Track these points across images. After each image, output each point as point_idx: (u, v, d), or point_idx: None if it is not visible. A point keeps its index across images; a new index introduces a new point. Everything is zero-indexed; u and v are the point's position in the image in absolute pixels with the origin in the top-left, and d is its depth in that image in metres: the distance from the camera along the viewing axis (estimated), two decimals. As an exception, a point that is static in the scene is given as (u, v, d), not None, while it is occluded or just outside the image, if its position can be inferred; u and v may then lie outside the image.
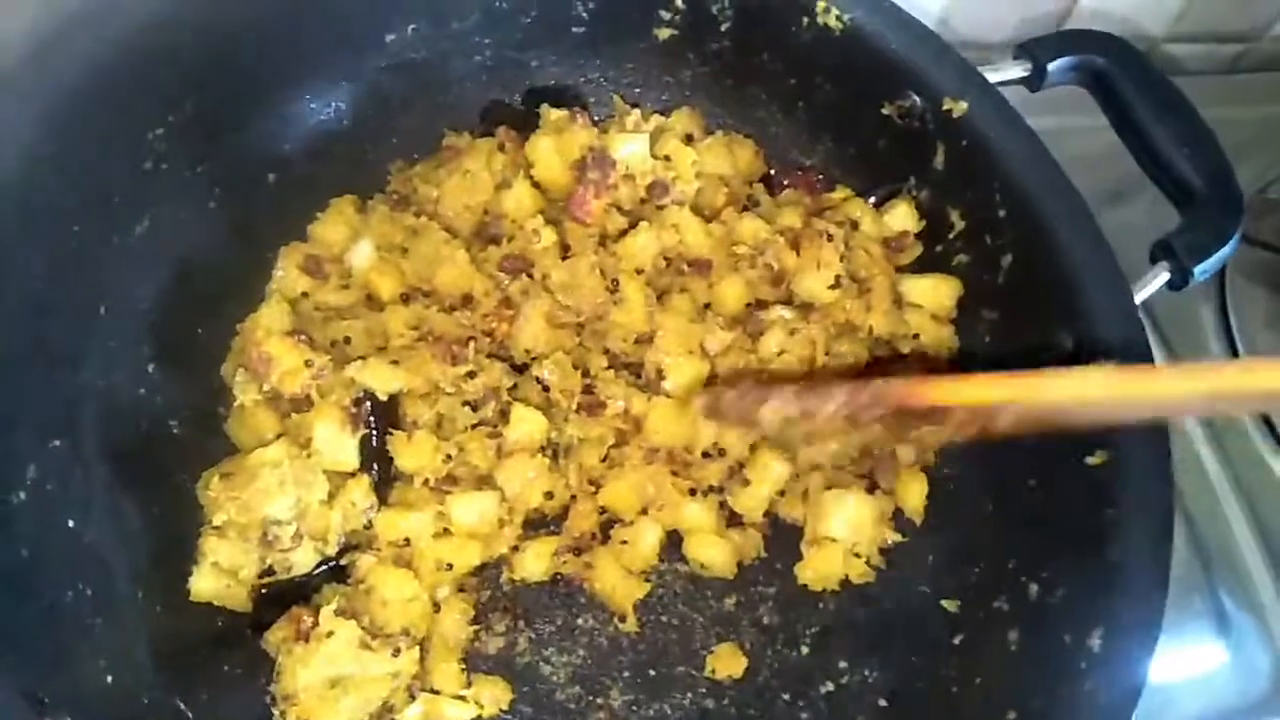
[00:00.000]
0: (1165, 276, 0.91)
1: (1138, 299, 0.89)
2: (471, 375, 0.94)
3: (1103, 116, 1.02)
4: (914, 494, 0.99)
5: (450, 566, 0.90)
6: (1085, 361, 0.87)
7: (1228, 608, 1.14)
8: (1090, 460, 0.84)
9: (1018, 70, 1.01)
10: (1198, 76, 1.61)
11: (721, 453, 1.00)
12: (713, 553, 0.96)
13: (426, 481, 0.92)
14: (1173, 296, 1.25)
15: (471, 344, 0.95)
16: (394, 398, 0.95)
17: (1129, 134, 0.98)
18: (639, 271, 1.01)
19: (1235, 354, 1.30)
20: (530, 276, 1.00)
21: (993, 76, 0.99)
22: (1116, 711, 0.75)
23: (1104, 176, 1.19)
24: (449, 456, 0.93)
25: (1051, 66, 0.99)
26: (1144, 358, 0.84)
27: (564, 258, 1.00)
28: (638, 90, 1.15)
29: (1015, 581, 0.89)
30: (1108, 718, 0.75)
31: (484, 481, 0.93)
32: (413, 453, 0.92)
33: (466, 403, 0.94)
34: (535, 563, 0.95)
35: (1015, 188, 0.94)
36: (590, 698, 0.94)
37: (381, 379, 0.92)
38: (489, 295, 0.97)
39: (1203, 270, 0.89)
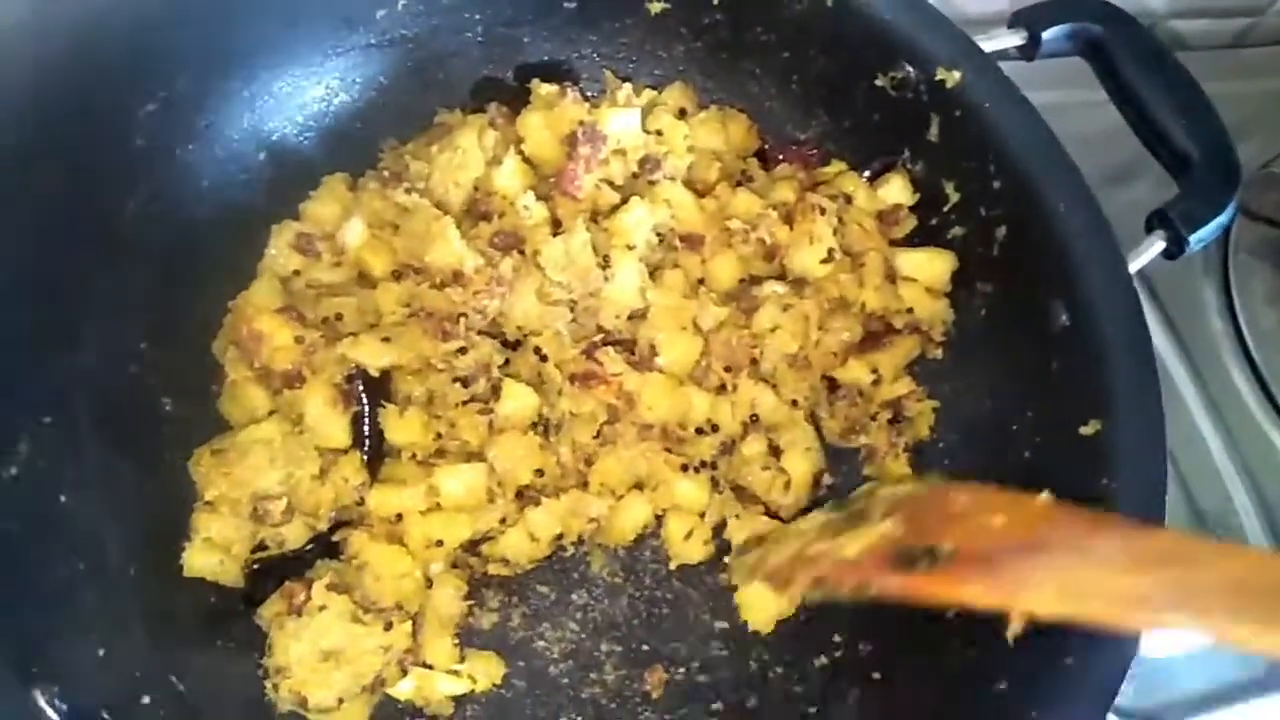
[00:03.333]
0: (1161, 246, 0.90)
1: (1133, 268, 0.88)
2: (462, 351, 0.94)
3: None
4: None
5: (440, 543, 0.90)
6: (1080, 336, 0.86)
7: (1229, 583, 1.13)
8: (1084, 430, 0.83)
9: (1013, 39, 1.00)
10: (1202, 51, 1.60)
11: (715, 428, 1.00)
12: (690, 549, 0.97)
13: (416, 457, 0.92)
14: (1175, 272, 1.25)
15: (462, 320, 0.95)
16: (385, 374, 0.95)
17: (1126, 103, 0.97)
18: (630, 247, 1.01)
19: (1238, 330, 1.29)
20: (521, 253, 0.99)
21: (987, 46, 0.98)
22: (1106, 685, 0.74)
23: (1108, 153, 1.18)
24: (439, 434, 0.93)
25: (1046, 35, 0.98)
26: (1138, 327, 0.83)
27: (555, 234, 1.00)
28: (631, 65, 1.15)
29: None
30: (1097, 690, 0.74)
31: (475, 457, 0.93)
32: (404, 428, 0.92)
33: (457, 379, 0.94)
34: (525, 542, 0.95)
35: (1009, 158, 0.93)
36: (584, 672, 0.94)
37: (372, 355, 0.92)
38: (480, 272, 0.97)
39: (1198, 239, 0.88)
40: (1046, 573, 0.68)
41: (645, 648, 0.96)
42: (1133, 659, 0.74)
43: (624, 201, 1.02)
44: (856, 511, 0.85)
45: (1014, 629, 0.70)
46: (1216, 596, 0.62)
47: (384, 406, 0.93)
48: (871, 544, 0.76)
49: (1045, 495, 0.74)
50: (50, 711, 0.68)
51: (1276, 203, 1.40)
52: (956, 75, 0.96)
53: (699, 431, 0.99)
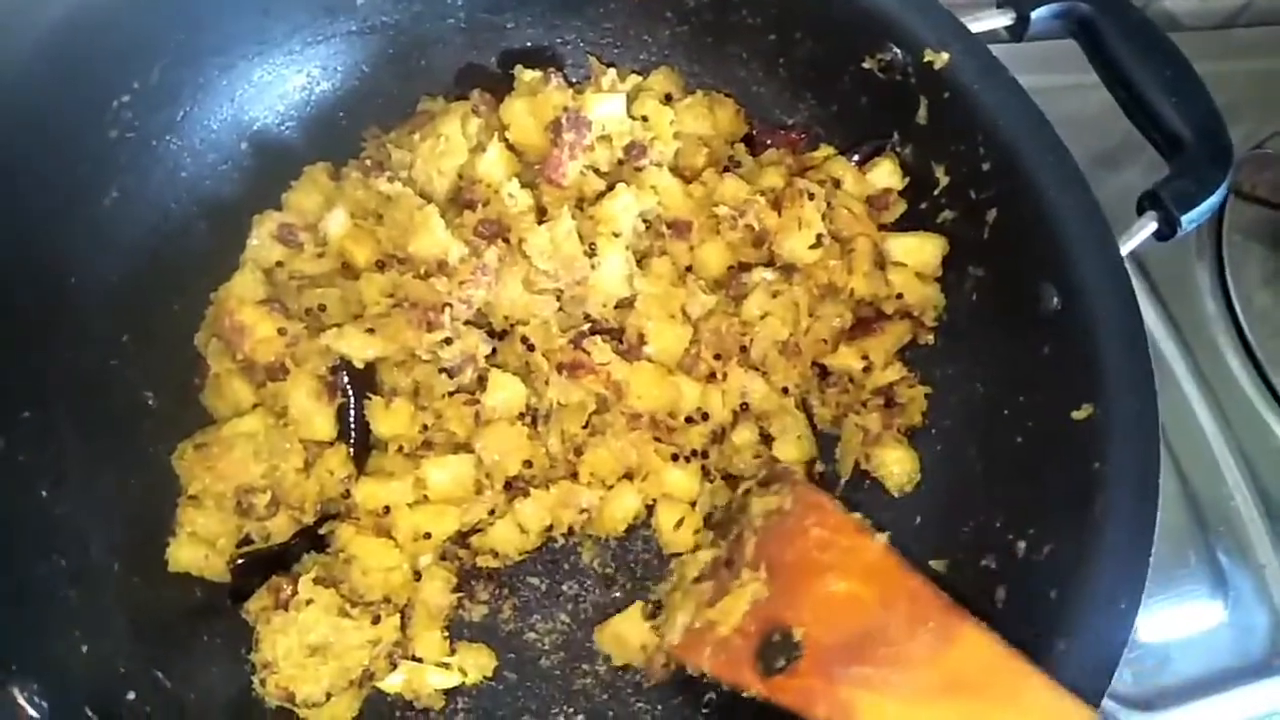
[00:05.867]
0: (1153, 227, 0.89)
1: (1125, 249, 0.87)
2: (448, 342, 0.93)
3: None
4: (899, 463, 0.98)
5: (428, 535, 0.89)
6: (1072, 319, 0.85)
7: (1225, 567, 1.13)
8: (1076, 414, 0.82)
9: (1001, 20, 0.98)
10: (1195, 31, 1.59)
11: (705, 417, 0.99)
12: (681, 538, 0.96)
13: (402, 449, 0.91)
14: (1168, 254, 1.24)
15: (448, 310, 0.94)
16: (370, 366, 0.94)
17: (1116, 84, 0.95)
18: (617, 234, 0.99)
19: (1232, 312, 1.28)
20: (507, 241, 0.98)
21: (975, 26, 0.96)
22: (1100, 668, 0.74)
23: (1101, 136, 1.17)
24: (426, 426, 0.92)
25: (1035, 15, 0.96)
26: (1130, 310, 0.82)
27: (541, 221, 0.98)
28: (616, 50, 1.13)
29: (1003, 540, 0.87)
30: (1093, 674, 0.74)
31: (462, 449, 0.92)
32: (390, 420, 0.91)
33: (443, 370, 0.93)
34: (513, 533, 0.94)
35: (999, 139, 0.92)
36: (575, 664, 0.94)
37: (357, 346, 0.91)
38: (465, 261, 0.96)
39: (1190, 220, 0.86)
40: (867, 695, 0.74)
41: (637, 638, 0.95)
42: (1125, 644, 0.74)
43: (610, 188, 1.00)
44: (735, 542, 0.89)
45: None
46: None
47: (369, 398, 0.92)
48: (742, 615, 0.83)
49: (881, 539, 0.82)
50: (30, 709, 0.67)
51: (1270, 183, 1.39)
52: (945, 57, 0.95)
53: (689, 420, 0.98)
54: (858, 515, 0.86)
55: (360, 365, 0.92)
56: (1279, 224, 1.38)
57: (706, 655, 0.83)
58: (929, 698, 0.72)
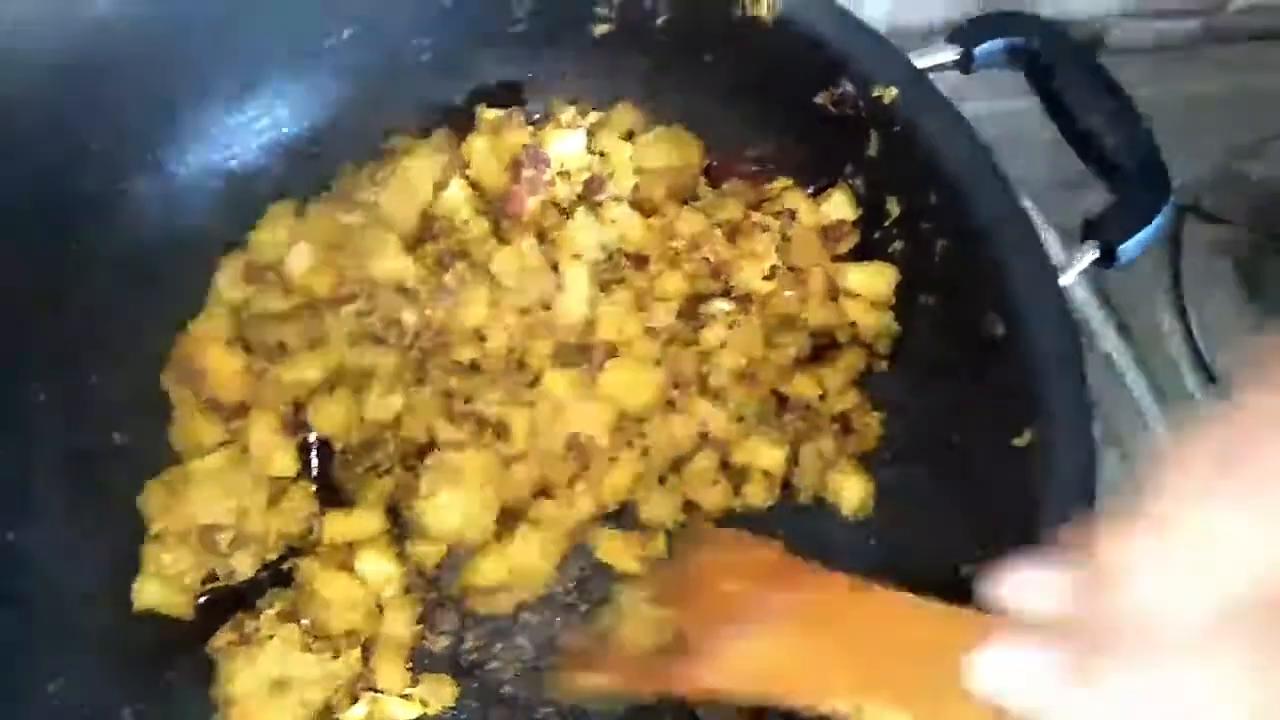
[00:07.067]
0: (1094, 255, 0.91)
1: (1066, 279, 0.89)
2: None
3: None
4: (854, 488, 1.00)
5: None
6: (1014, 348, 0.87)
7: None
8: (1017, 441, 0.84)
9: (948, 54, 1.01)
10: (1160, 52, 1.61)
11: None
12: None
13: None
14: (1127, 275, 1.26)
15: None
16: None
17: (1059, 115, 0.98)
18: (577, 256, 1.02)
19: (1189, 330, 1.30)
20: (467, 261, 1.00)
21: (922, 61, 0.99)
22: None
23: (1067, 159, 1.19)
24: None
25: (979, 50, 0.99)
26: (1068, 336, 0.84)
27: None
28: (580, 86, 1.15)
29: (952, 561, 0.88)
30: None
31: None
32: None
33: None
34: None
35: (943, 172, 0.94)
36: (537, 691, 0.95)
37: (308, 368, 0.93)
38: (424, 283, 0.98)
39: (1127, 249, 0.89)
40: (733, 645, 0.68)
41: (599, 665, 0.96)
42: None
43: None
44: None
45: None
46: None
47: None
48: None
49: (775, 545, 0.77)
50: (-9, 750, 0.69)
51: (1231, 203, 1.41)
52: (893, 91, 0.97)
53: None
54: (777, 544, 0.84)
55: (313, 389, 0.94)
56: (1239, 243, 1.40)
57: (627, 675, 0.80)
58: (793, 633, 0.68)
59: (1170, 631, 0.42)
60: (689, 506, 1.00)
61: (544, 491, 0.97)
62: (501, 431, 0.94)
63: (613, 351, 1.00)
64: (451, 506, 0.90)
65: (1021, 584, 0.51)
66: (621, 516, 1.00)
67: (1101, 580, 0.45)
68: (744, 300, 1.03)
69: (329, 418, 0.94)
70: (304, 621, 0.87)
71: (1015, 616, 0.51)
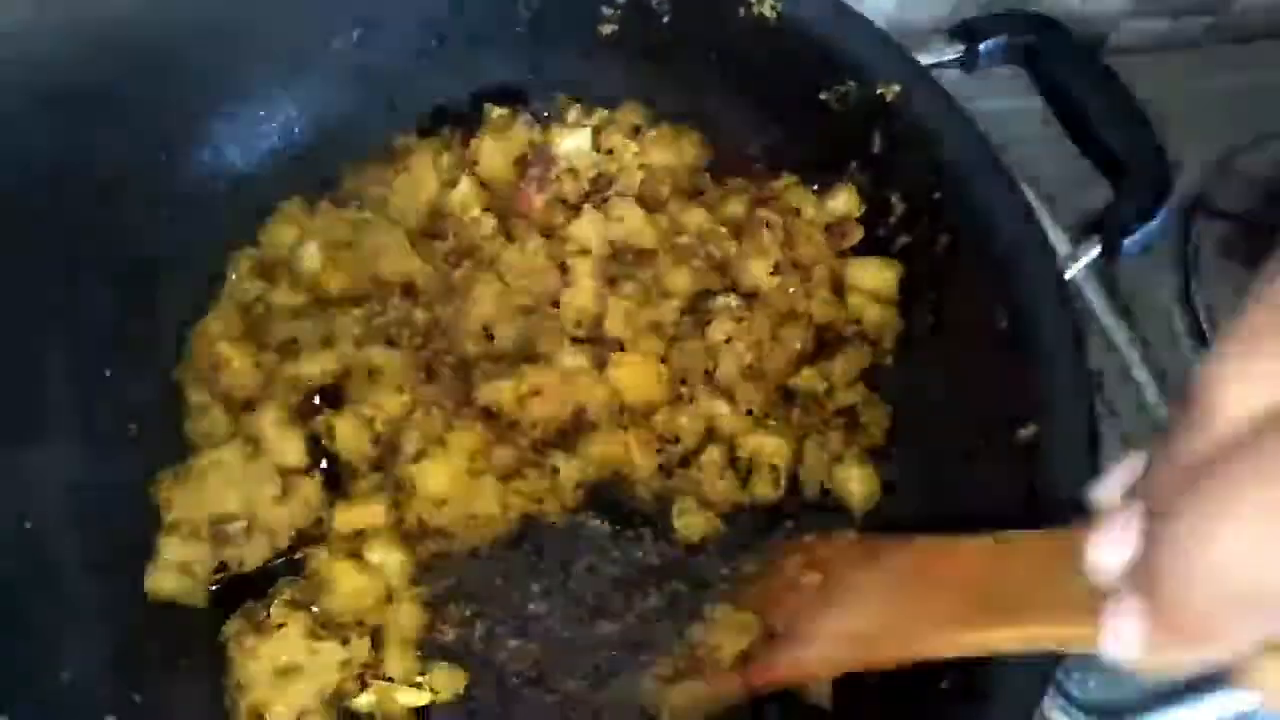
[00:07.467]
0: (1097, 250, 0.92)
1: (1070, 273, 0.90)
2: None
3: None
4: (861, 481, 1.00)
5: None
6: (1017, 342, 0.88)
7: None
8: (1020, 434, 0.85)
9: (952, 52, 1.02)
10: (1164, 50, 1.61)
11: (675, 440, 1.02)
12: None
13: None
14: (1136, 268, 1.26)
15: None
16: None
17: (1063, 113, 0.99)
18: (586, 252, 1.03)
19: (1198, 325, 1.30)
20: (474, 259, 1.01)
21: (926, 59, 1.00)
22: (1044, 673, 0.76)
23: (1075, 154, 1.20)
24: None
25: (984, 47, 1.00)
26: (1069, 332, 0.85)
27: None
28: (585, 85, 1.17)
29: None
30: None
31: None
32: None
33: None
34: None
35: (947, 168, 0.95)
36: (545, 683, 0.96)
37: (322, 363, 0.95)
38: (433, 280, 0.99)
39: (1130, 245, 0.90)
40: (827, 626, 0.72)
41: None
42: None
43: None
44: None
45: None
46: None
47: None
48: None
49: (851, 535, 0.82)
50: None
51: (1236, 197, 1.42)
52: (896, 88, 0.98)
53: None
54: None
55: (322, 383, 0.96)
56: (1245, 237, 1.40)
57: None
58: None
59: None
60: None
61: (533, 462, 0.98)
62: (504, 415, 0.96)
63: (619, 347, 1.01)
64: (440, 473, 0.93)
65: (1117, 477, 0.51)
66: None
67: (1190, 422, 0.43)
68: (749, 296, 1.04)
69: (345, 439, 0.95)
70: (314, 609, 0.88)
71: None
